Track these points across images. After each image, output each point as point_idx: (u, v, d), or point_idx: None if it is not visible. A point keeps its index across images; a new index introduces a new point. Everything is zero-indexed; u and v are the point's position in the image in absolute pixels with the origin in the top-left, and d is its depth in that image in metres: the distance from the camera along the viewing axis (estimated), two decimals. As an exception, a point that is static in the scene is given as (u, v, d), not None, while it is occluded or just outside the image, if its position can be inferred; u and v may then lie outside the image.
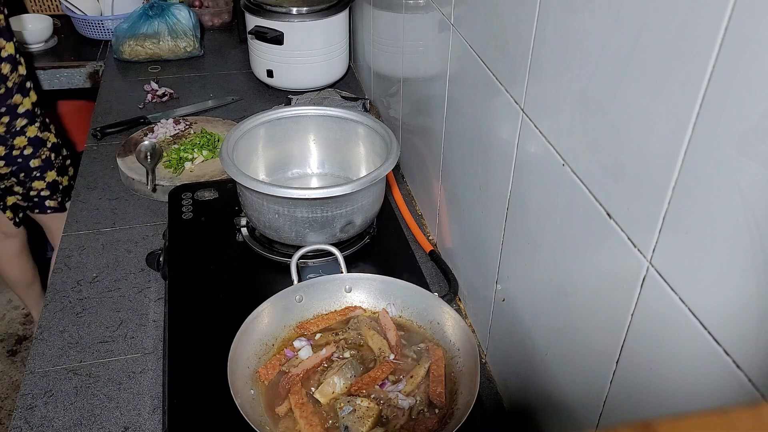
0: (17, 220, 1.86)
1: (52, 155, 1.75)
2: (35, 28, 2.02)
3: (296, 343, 0.85)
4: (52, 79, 1.96)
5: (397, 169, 1.43)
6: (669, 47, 0.50)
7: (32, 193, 1.77)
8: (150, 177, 1.33)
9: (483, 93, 0.89)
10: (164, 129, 1.52)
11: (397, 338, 0.86)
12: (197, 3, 2.19)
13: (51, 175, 1.76)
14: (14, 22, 1.84)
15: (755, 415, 0.28)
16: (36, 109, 1.69)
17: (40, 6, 2.25)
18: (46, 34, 2.05)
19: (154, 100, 1.74)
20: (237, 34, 2.12)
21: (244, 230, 1.09)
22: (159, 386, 0.96)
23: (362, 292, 0.92)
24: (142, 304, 1.10)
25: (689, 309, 0.51)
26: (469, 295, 1.07)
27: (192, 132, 1.53)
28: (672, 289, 0.53)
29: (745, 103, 0.43)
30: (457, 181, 1.06)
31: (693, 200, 0.49)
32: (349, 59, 1.86)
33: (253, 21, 1.68)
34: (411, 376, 0.80)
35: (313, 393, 0.79)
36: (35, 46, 2.03)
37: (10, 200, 1.80)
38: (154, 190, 1.33)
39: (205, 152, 1.43)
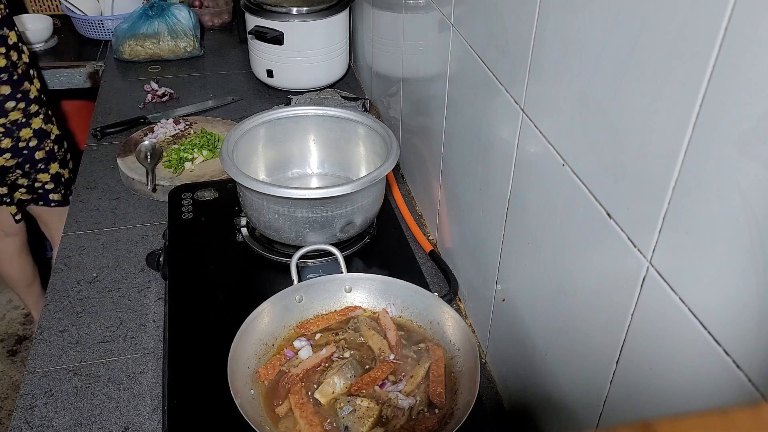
0: (19, 216, 1.86)
1: (55, 147, 1.76)
2: (35, 28, 2.02)
3: (296, 343, 0.85)
4: (52, 79, 1.97)
5: (397, 169, 1.43)
6: (669, 47, 0.50)
7: (37, 185, 1.77)
8: (150, 177, 1.33)
9: (483, 93, 0.89)
10: (164, 129, 1.52)
11: (397, 338, 0.86)
12: (197, 3, 2.19)
13: (54, 167, 1.77)
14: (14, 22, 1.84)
15: (755, 415, 0.28)
16: (42, 96, 1.71)
17: (40, 6, 2.25)
18: (46, 34, 2.05)
19: (154, 100, 1.74)
20: (237, 34, 2.12)
21: (244, 230, 1.09)
22: (159, 386, 0.96)
23: (362, 292, 0.92)
24: (142, 304, 1.10)
25: (689, 309, 0.51)
26: (469, 295, 1.07)
27: (192, 132, 1.53)
28: (672, 289, 0.53)
29: (745, 103, 0.43)
30: (457, 181, 1.06)
31: (693, 200, 0.49)
32: (349, 59, 1.86)
33: (253, 21, 1.68)
34: (411, 376, 0.80)
35: (313, 393, 0.79)
36: (35, 46, 2.03)
37: (17, 195, 1.81)
38: (154, 190, 1.33)
39: (205, 152, 1.43)
